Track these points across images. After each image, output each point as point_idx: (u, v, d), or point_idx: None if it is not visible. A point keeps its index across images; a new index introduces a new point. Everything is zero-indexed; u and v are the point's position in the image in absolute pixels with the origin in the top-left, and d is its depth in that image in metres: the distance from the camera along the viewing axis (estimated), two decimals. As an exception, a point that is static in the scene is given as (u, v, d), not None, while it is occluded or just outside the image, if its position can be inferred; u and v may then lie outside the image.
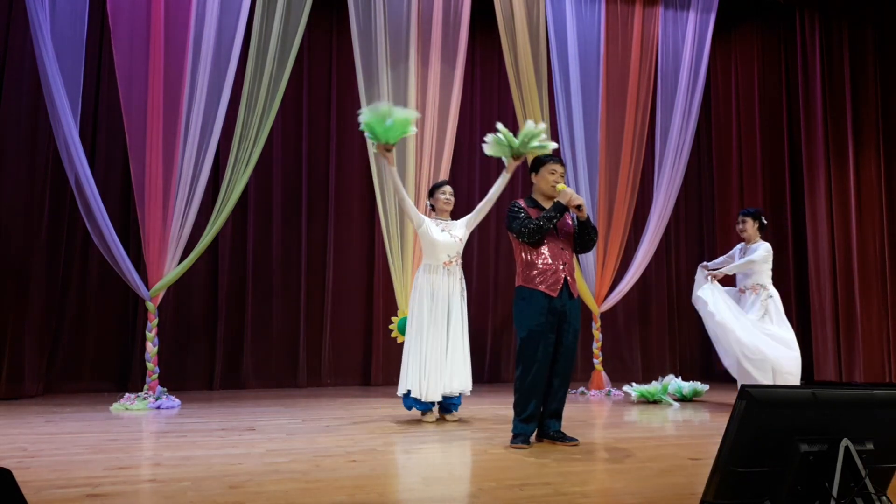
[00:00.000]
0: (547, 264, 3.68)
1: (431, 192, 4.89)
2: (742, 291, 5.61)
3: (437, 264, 4.61)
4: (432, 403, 4.54)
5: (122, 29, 5.50)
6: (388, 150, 4.40)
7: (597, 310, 6.66)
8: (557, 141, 6.65)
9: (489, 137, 4.40)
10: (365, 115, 4.32)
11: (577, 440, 3.72)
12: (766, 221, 5.71)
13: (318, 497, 2.60)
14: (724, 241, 7.77)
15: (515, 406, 3.69)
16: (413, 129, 4.42)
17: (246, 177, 5.67)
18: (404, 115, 4.32)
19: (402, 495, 2.63)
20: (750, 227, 5.60)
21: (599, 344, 6.71)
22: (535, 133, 4.32)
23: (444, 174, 6.17)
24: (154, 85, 5.47)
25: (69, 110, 5.29)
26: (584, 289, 6.56)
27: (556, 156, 3.96)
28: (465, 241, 4.74)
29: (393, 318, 6.08)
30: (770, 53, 7.71)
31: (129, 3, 5.53)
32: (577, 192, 6.65)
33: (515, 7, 6.38)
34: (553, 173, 3.78)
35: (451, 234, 4.65)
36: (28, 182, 5.82)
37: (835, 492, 1.70)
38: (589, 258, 6.62)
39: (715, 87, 8.00)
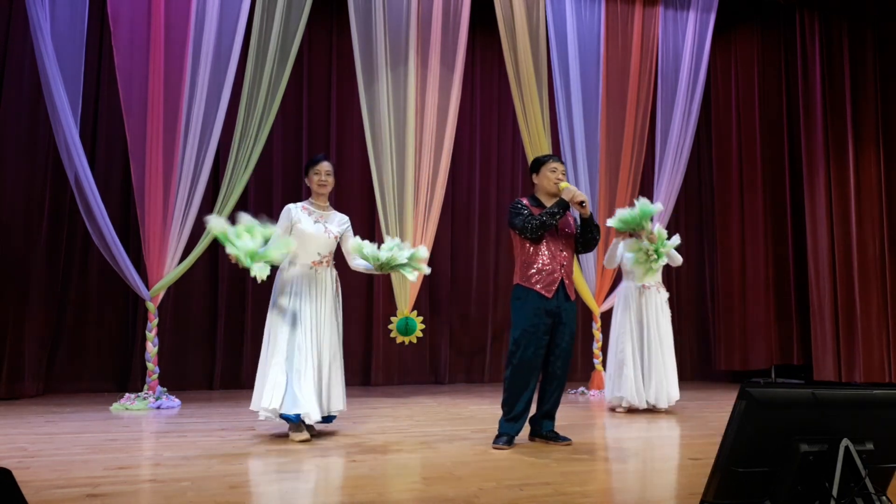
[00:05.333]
0: (545, 264, 3.67)
1: (306, 170, 4.08)
2: (646, 287, 5.23)
3: (305, 262, 3.92)
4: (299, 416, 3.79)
5: (122, 29, 5.50)
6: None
7: (597, 310, 6.65)
8: (557, 141, 6.66)
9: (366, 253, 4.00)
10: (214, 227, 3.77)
11: (570, 440, 3.72)
12: None
13: (318, 497, 2.60)
14: (725, 240, 7.78)
15: (503, 405, 3.69)
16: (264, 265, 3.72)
17: (246, 177, 5.67)
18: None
19: (402, 495, 2.62)
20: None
21: (599, 344, 6.71)
22: (400, 261, 3.92)
23: (442, 174, 6.18)
24: (154, 85, 5.47)
25: (69, 110, 5.29)
26: (585, 289, 6.56)
27: (555, 155, 3.97)
28: (338, 240, 4.08)
29: (392, 318, 6.08)
30: (770, 53, 7.71)
31: (129, 3, 5.53)
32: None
33: (515, 7, 6.38)
34: (554, 171, 3.78)
35: (325, 228, 3.98)
36: (28, 182, 5.82)
37: (835, 492, 1.70)
38: (589, 258, 6.62)
39: (715, 87, 8.00)
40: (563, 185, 3.72)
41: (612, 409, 5.21)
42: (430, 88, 6.20)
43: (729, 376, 7.73)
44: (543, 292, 3.63)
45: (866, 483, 1.72)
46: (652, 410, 5.10)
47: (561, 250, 3.73)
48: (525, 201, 3.81)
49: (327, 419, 3.96)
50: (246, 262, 3.67)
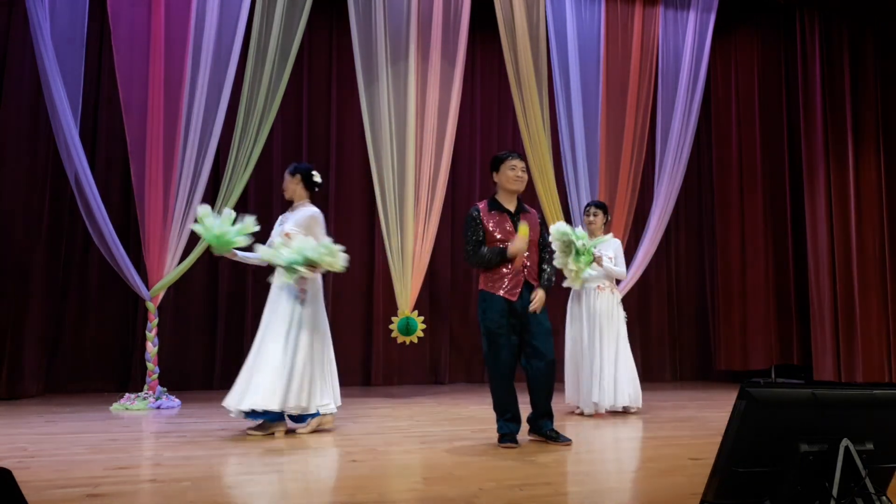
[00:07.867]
0: (508, 268, 3.64)
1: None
2: (601, 289, 5.04)
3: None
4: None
5: (122, 29, 5.50)
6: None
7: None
8: (557, 141, 6.66)
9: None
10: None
11: (570, 440, 3.71)
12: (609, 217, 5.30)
13: (318, 497, 2.60)
14: (725, 240, 7.77)
15: (495, 409, 3.70)
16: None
17: (246, 177, 5.67)
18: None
19: (402, 495, 2.63)
20: (601, 219, 5.13)
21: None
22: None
23: (443, 175, 6.18)
24: (154, 85, 5.47)
25: (69, 110, 5.30)
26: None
27: (515, 151, 3.90)
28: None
29: (393, 319, 6.08)
30: (770, 53, 7.71)
31: (129, 4, 5.53)
32: (578, 191, 6.63)
33: (515, 7, 6.38)
34: (513, 169, 3.70)
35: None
36: (28, 182, 5.82)
37: (835, 492, 1.70)
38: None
39: (715, 87, 7.99)
40: (523, 230, 3.61)
41: (573, 413, 4.96)
42: (430, 89, 6.20)
43: (729, 376, 7.73)
44: (508, 296, 3.61)
45: (866, 483, 1.72)
46: (621, 412, 4.98)
47: (524, 252, 3.67)
48: (481, 206, 3.74)
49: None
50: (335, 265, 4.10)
